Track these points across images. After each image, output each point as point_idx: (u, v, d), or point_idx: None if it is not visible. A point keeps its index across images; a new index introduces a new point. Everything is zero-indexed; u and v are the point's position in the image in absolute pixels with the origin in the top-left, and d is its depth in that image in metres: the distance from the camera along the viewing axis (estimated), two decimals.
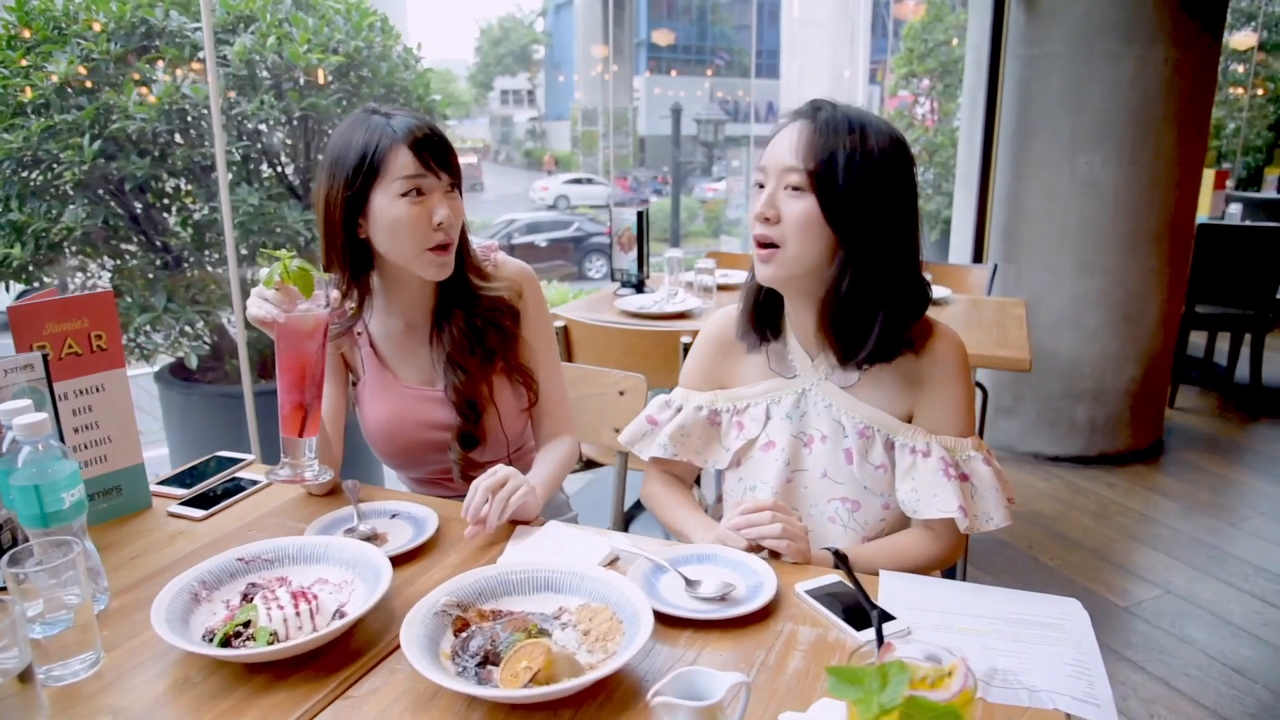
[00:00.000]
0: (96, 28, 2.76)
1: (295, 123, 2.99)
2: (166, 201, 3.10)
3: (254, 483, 1.66)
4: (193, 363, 2.96)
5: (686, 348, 2.43)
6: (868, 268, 1.38)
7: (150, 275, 2.97)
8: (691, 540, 1.49)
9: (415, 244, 1.52)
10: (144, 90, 2.74)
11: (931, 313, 1.48)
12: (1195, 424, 4.89)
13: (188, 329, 3.02)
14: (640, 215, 3.24)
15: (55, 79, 2.68)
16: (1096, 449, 4.28)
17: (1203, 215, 5.49)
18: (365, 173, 1.50)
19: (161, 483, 1.67)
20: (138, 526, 1.52)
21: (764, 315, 1.54)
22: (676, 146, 14.28)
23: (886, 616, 1.21)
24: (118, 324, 1.54)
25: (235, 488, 1.64)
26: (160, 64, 2.84)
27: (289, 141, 3.08)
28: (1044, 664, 1.13)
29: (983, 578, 3.22)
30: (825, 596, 1.25)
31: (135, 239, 3.02)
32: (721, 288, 3.31)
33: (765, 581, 1.25)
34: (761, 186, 1.42)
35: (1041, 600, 1.30)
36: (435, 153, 1.51)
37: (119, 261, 3.12)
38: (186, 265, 3.12)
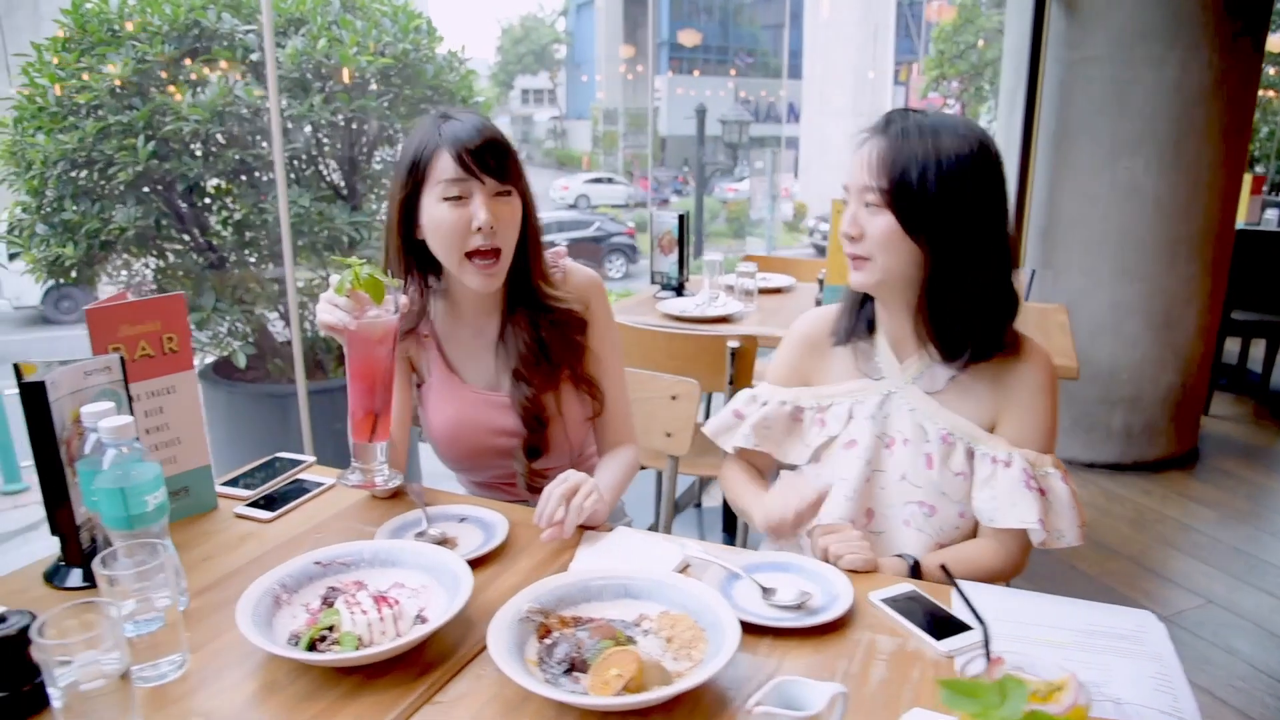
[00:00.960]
0: (131, 26, 2.77)
1: (343, 125, 3.01)
2: (209, 201, 3.12)
3: (318, 485, 1.67)
4: (240, 361, 2.99)
5: (734, 353, 2.44)
6: (957, 272, 1.41)
7: (196, 274, 3.00)
8: (752, 517, 1.54)
9: (455, 248, 1.52)
10: (175, 91, 2.75)
11: None
12: (1231, 431, 4.84)
13: (235, 327, 3.04)
14: (681, 219, 3.24)
15: (89, 77, 2.70)
16: (1132, 456, 4.25)
17: (1239, 221, 5.43)
18: (414, 175, 1.53)
19: (224, 483, 1.68)
20: (205, 527, 1.53)
21: (860, 315, 1.58)
22: (701, 147, 14.27)
23: (963, 627, 1.20)
24: (188, 326, 1.55)
25: (299, 489, 1.65)
26: (204, 64, 2.87)
27: (337, 144, 3.10)
28: (1126, 677, 1.12)
29: (1021, 584, 3.19)
30: (901, 605, 1.25)
31: (183, 239, 3.04)
32: (763, 291, 3.31)
33: (841, 590, 1.25)
34: (845, 203, 1.46)
35: (1115, 612, 1.29)
36: (479, 157, 1.49)
37: (162, 261, 3.15)
38: (230, 264, 3.14)
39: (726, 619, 1.10)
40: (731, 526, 3.41)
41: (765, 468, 1.72)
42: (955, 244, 1.40)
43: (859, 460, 1.53)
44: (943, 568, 0.96)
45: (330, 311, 1.36)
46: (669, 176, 24.91)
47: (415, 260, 1.62)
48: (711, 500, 3.82)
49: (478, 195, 1.51)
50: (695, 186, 14.67)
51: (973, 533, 1.54)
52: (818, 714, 0.89)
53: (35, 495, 4.68)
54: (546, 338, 1.64)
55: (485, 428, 1.70)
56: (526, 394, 1.64)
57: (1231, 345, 5.45)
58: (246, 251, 3.16)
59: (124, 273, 3.26)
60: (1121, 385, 4.16)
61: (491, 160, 1.50)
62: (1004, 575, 1.52)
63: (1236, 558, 3.42)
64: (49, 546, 1.36)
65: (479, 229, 1.50)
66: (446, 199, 1.50)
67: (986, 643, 0.83)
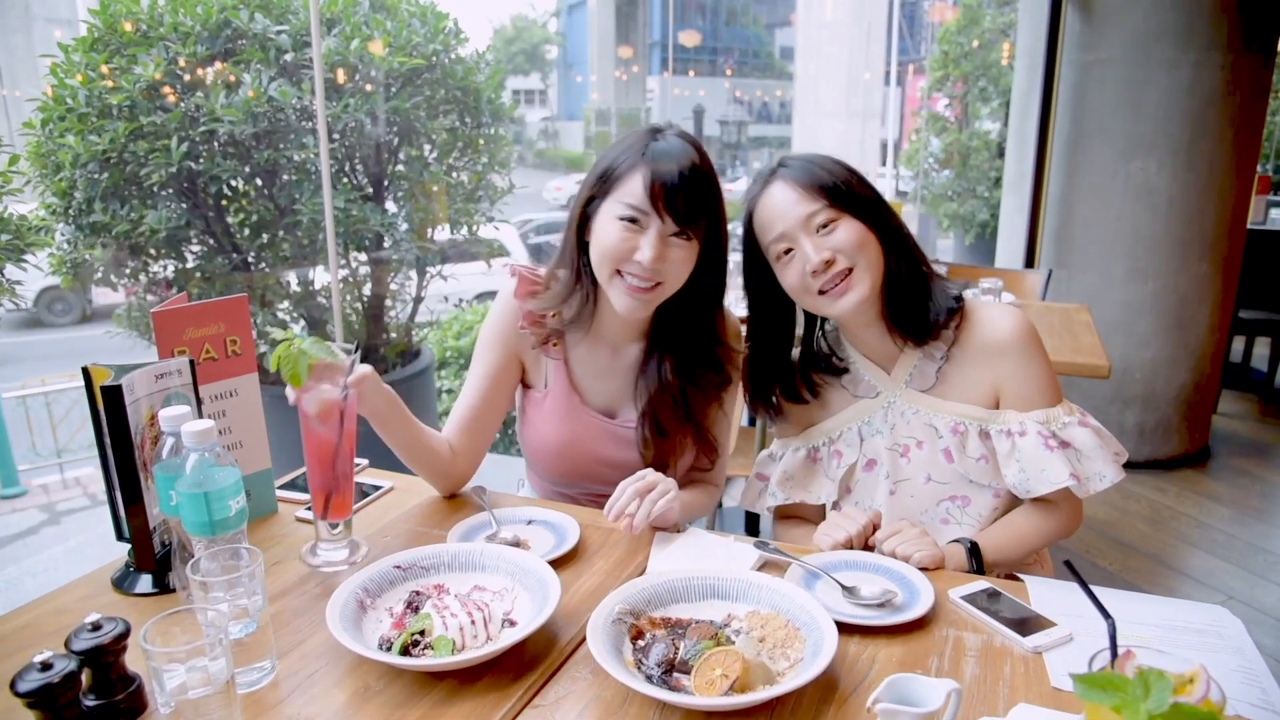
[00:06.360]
0: (139, 29, 2.73)
1: (371, 125, 3.00)
2: (234, 203, 3.10)
3: (376, 488, 1.67)
4: (272, 365, 2.96)
5: None
6: (900, 253, 1.49)
7: (224, 275, 2.98)
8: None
9: (609, 264, 1.47)
10: (209, 92, 2.73)
11: None
12: (1239, 429, 4.87)
13: (264, 330, 3.02)
14: None
15: (114, 76, 2.67)
16: (1145, 454, 4.27)
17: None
18: (604, 181, 1.48)
19: (279, 487, 1.68)
20: (269, 532, 1.52)
21: (821, 352, 1.63)
22: None
23: (1045, 623, 1.21)
24: (251, 329, 1.54)
25: (358, 493, 1.64)
26: (236, 64, 2.85)
27: (366, 144, 3.07)
28: (1213, 671, 1.13)
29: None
30: (980, 602, 1.26)
31: (208, 240, 3.03)
32: None
33: (921, 587, 1.26)
34: (789, 251, 1.47)
35: (1191, 607, 1.31)
36: (669, 193, 1.41)
37: (181, 264, 3.13)
38: (255, 266, 3.12)
39: (821, 618, 1.10)
40: (754, 529, 3.40)
41: (810, 515, 1.71)
42: (888, 225, 1.47)
43: (882, 477, 1.56)
44: (1067, 564, 0.97)
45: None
46: None
47: (582, 265, 1.55)
48: (730, 500, 3.82)
49: (652, 230, 1.43)
50: None
51: (1012, 504, 1.55)
52: (937, 710, 0.89)
53: (32, 500, 4.63)
54: (691, 391, 1.59)
55: (597, 456, 1.65)
56: (655, 443, 1.60)
57: (1236, 344, 5.48)
58: (267, 253, 3.14)
59: (142, 276, 3.23)
60: (1134, 384, 4.19)
61: (681, 200, 1.42)
62: (1064, 533, 1.55)
63: (1254, 554, 3.45)
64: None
65: (638, 263, 1.44)
66: (622, 219, 1.44)
67: (1113, 637, 0.84)
